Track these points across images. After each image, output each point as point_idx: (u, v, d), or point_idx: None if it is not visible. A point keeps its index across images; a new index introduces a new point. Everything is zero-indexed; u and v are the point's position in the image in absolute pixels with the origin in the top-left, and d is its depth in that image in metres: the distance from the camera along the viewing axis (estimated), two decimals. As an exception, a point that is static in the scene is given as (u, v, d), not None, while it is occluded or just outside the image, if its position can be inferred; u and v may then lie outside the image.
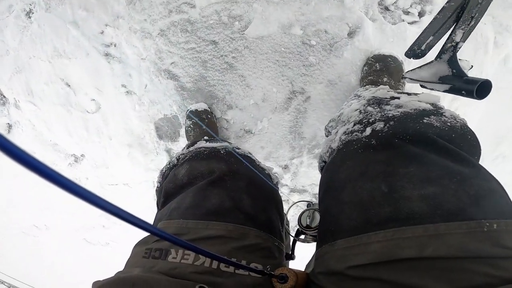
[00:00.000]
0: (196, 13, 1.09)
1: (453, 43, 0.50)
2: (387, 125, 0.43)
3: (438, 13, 0.49)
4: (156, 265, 0.41)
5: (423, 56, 0.53)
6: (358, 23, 0.97)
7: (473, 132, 0.43)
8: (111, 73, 1.17)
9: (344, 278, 0.35)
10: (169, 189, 0.55)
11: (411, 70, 0.54)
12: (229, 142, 0.65)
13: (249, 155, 0.62)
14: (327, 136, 0.62)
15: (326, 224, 0.42)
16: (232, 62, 1.11)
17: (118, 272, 0.43)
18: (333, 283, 0.36)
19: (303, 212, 0.49)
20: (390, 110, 0.46)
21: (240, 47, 1.10)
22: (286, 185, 1.18)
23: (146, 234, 0.50)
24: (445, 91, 0.47)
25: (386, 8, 0.94)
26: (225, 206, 0.47)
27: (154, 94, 1.18)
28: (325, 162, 0.52)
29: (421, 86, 0.52)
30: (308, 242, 0.48)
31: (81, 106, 1.27)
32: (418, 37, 0.52)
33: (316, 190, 1.19)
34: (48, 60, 1.19)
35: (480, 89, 0.42)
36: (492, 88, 0.42)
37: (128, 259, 0.47)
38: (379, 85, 0.88)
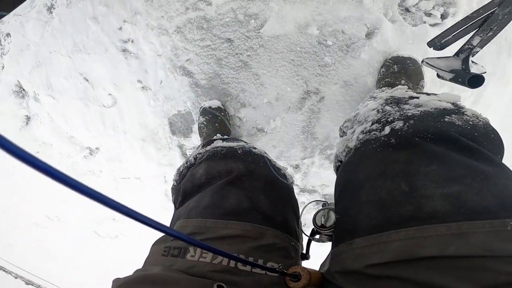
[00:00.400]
0: (212, 11, 1.09)
1: (470, 46, 0.60)
2: (407, 124, 0.42)
3: (462, 19, 0.58)
4: (175, 264, 0.41)
5: (441, 49, 0.64)
6: (376, 24, 0.95)
7: (496, 131, 0.42)
8: (127, 68, 1.19)
9: (362, 277, 0.35)
10: (187, 188, 0.56)
11: (430, 58, 0.64)
12: (245, 142, 0.65)
13: (265, 155, 0.62)
14: (341, 137, 0.61)
15: (343, 223, 0.42)
16: (247, 61, 1.11)
17: (137, 270, 0.43)
18: (350, 282, 0.36)
19: (318, 212, 0.49)
20: (409, 109, 0.45)
21: (255, 45, 1.10)
22: (297, 185, 1.18)
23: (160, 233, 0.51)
24: (450, 79, 0.58)
25: (407, 10, 0.92)
26: (243, 206, 0.47)
27: (169, 90, 1.19)
28: (341, 161, 0.52)
29: (433, 69, 0.64)
30: (323, 241, 0.48)
31: (98, 100, 1.29)
32: (442, 33, 0.61)
33: (327, 190, 1.18)
34: (68, 55, 1.22)
35: (473, 80, 0.52)
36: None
37: (147, 257, 0.48)
38: (390, 88, 0.87)
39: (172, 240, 0.46)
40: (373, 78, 1.00)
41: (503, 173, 0.36)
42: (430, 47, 0.64)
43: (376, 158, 0.41)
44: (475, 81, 0.52)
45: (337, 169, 0.54)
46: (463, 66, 0.57)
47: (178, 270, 0.40)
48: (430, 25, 0.90)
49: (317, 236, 0.48)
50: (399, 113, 0.45)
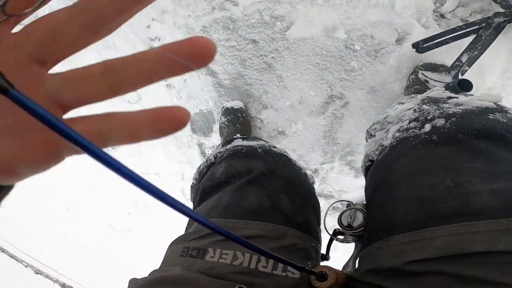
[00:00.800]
0: (238, 11, 1.10)
1: (460, 63, 0.76)
2: (449, 121, 0.41)
3: (446, 30, 0.78)
4: (194, 264, 0.41)
5: (422, 53, 0.80)
6: (408, 30, 0.92)
7: None
8: (153, 66, 1.21)
9: (400, 273, 0.34)
10: (206, 187, 0.56)
11: (426, 71, 0.79)
12: (265, 141, 0.64)
13: (285, 154, 0.61)
14: (369, 139, 0.60)
15: (378, 221, 0.41)
16: (271, 62, 1.11)
17: (154, 270, 0.43)
18: (386, 279, 0.36)
19: (343, 212, 0.48)
20: (449, 107, 0.44)
21: (280, 47, 1.09)
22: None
23: (178, 232, 0.51)
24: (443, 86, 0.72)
25: (442, 16, 0.89)
26: (264, 205, 0.47)
27: (192, 89, 1.20)
28: (372, 161, 0.51)
29: (428, 80, 0.79)
30: (348, 242, 0.47)
31: (123, 96, 1.32)
32: (426, 38, 0.77)
33: (344, 196, 1.15)
34: (98, 52, 1.26)
35: (463, 84, 0.65)
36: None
37: (165, 257, 0.47)
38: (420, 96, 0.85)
39: (191, 240, 0.45)
40: (401, 84, 0.98)
41: None
42: (413, 48, 0.80)
43: (416, 155, 0.41)
44: (465, 85, 0.65)
45: (366, 169, 0.53)
46: (453, 80, 0.72)
47: (198, 271, 0.40)
48: None
49: (341, 237, 0.47)
50: (439, 111, 0.44)
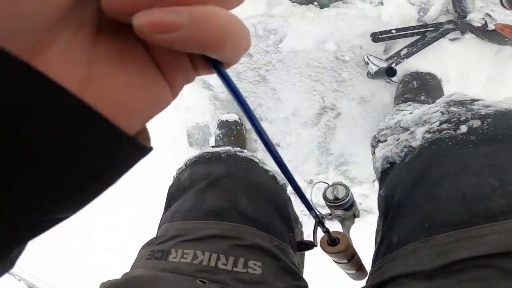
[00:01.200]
0: (234, 27, 1.15)
1: (398, 55, 0.93)
2: (485, 122, 0.41)
3: (400, 28, 0.93)
4: (158, 265, 0.42)
5: (375, 42, 0.96)
6: (395, 40, 0.95)
7: None
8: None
9: (445, 273, 0.33)
10: (172, 192, 0.57)
11: (371, 56, 0.97)
12: (232, 146, 0.65)
13: (251, 157, 0.61)
14: (375, 146, 0.60)
15: (414, 223, 0.40)
16: (265, 75, 1.14)
17: (124, 273, 0.44)
18: (426, 281, 0.35)
19: (326, 189, 0.49)
20: (479, 109, 0.44)
21: (274, 60, 1.13)
22: (310, 200, 1.15)
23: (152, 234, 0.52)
24: (375, 72, 0.94)
25: (426, 24, 0.92)
26: (223, 206, 0.47)
27: (189, 102, 1.24)
28: (392, 163, 0.51)
29: (369, 63, 0.97)
30: (338, 217, 0.47)
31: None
32: (384, 31, 0.94)
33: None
34: None
35: (389, 71, 0.87)
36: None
37: (134, 262, 0.49)
38: (415, 103, 0.85)
39: (158, 244, 0.46)
40: (391, 94, 0.99)
41: None
42: (371, 37, 0.95)
43: (455, 155, 0.40)
44: (390, 72, 0.86)
45: (384, 172, 0.53)
46: (387, 67, 0.89)
47: (160, 270, 0.41)
48: (450, 39, 0.89)
49: (329, 214, 0.48)
50: (470, 113, 0.44)
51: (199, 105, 1.23)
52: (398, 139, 0.50)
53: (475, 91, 1.02)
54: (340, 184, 0.48)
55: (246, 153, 0.61)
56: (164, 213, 0.58)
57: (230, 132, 1.17)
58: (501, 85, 1.07)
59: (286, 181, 0.64)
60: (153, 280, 0.38)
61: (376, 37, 1.00)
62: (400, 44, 1.05)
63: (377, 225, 0.51)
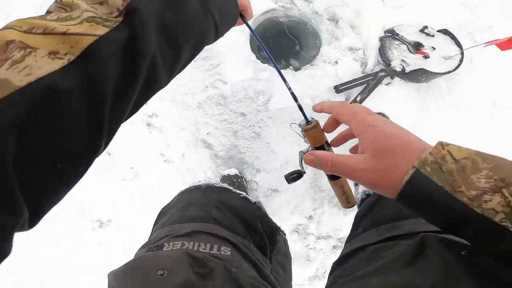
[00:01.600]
0: (227, 89, 1.31)
1: (355, 101, 1.25)
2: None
3: (353, 79, 1.32)
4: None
5: (339, 93, 1.26)
6: (350, 90, 1.24)
7: None
8: (151, 142, 1.32)
9: (383, 242, 0.54)
10: (161, 211, 0.71)
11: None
12: (209, 180, 0.80)
13: (226, 187, 0.75)
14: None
15: (371, 221, 0.61)
16: (259, 131, 1.32)
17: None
18: (374, 245, 0.54)
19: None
20: None
21: (264, 117, 1.32)
22: (312, 233, 1.33)
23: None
24: None
25: (368, 75, 1.22)
26: (200, 215, 0.63)
27: (190, 162, 1.33)
28: (368, 195, 0.72)
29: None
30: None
31: (118, 173, 1.38)
32: (344, 83, 1.29)
33: (341, 234, 1.34)
34: None
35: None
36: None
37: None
38: None
39: (154, 243, 0.58)
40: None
41: None
42: (334, 90, 1.27)
43: None
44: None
45: (362, 199, 0.75)
46: None
47: None
48: (385, 84, 1.23)
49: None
50: None
51: (199, 164, 1.34)
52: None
53: (411, 122, 1.37)
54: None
55: (221, 184, 0.77)
56: (153, 226, 0.71)
57: (232, 185, 1.30)
58: (427, 113, 1.44)
59: (259, 199, 0.80)
60: (151, 258, 0.49)
61: (338, 89, 1.32)
62: (355, 92, 1.35)
63: (350, 231, 0.71)
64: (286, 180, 0.51)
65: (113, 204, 1.44)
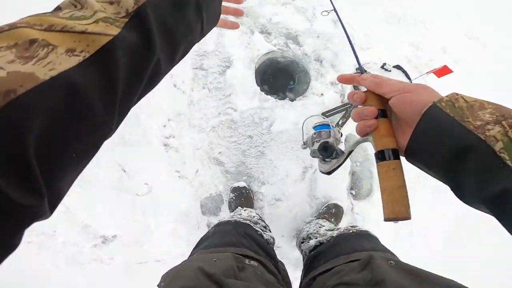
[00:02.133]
0: (237, 115, 1.54)
1: (338, 124, 1.63)
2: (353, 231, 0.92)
3: (336, 107, 1.66)
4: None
5: (327, 117, 1.62)
6: (334, 115, 1.55)
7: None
8: (167, 160, 1.47)
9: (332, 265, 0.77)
10: (202, 237, 0.90)
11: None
12: (244, 209, 1.13)
13: (249, 223, 0.98)
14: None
15: (325, 258, 0.82)
16: (264, 150, 1.55)
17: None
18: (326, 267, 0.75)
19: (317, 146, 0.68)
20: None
21: (268, 139, 1.56)
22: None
23: None
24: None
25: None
26: (233, 241, 0.82)
27: (203, 177, 1.50)
28: (321, 243, 0.96)
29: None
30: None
31: (132, 189, 1.48)
32: (329, 110, 1.64)
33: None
34: (112, 149, 1.43)
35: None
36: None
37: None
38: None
39: (210, 248, 0.77)
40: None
41: None
42: (321, 114, 1.54)
43: (345, 240, 0.88)
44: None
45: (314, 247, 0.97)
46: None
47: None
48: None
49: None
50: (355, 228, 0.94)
51: (211, 179, 1.51)
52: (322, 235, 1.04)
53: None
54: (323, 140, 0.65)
55: (245, 220, 1.00)
56: (193, 249, 0.88)
57: (241, 195, 1.49)
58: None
59: (271, 237, 1.04)
60: (212, 252, 0.72)
61: (325, 115, 1.60)
62: (337, 117, 1.67)
63: (303, 266, 0.93)
64: (328, 174, 0.60)
65: (121, 219, 1.52)
